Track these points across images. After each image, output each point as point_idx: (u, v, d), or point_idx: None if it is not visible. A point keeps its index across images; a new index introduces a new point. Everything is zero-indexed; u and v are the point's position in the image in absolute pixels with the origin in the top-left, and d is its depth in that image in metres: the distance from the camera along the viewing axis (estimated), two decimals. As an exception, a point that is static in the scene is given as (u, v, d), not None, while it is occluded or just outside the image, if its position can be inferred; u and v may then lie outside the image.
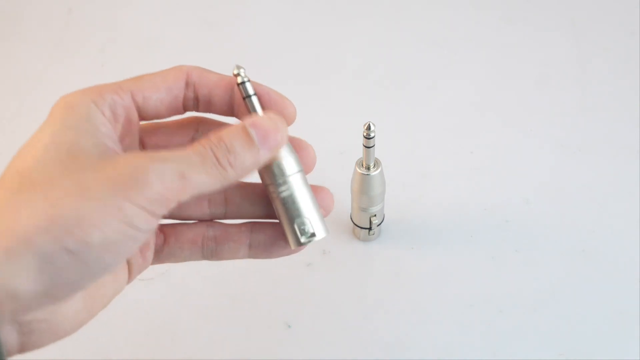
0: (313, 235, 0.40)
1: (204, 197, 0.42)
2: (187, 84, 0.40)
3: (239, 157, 0.36)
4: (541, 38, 0.78)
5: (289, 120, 0.40)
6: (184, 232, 0.42)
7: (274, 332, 0.57)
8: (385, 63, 0.76)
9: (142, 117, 0.40)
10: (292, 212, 0.39)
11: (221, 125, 0.42)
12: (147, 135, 0.41)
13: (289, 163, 0.39)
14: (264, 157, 0.37)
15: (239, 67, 0.40)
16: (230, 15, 0.81)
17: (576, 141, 0.69)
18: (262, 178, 0.40)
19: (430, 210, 0.64)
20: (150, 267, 0.42)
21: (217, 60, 0.77)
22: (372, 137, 0.54)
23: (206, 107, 0.41)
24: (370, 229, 0.61)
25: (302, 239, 0.40)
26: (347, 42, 0.78)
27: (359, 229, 0.61)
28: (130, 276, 0.40)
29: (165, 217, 0.42)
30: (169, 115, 0.40)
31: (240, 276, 0.60)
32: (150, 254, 0.41)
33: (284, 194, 0.39)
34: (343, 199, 0.63)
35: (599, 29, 0.78)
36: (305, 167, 0.41)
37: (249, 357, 0.56)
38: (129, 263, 0.40)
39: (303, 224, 0.40)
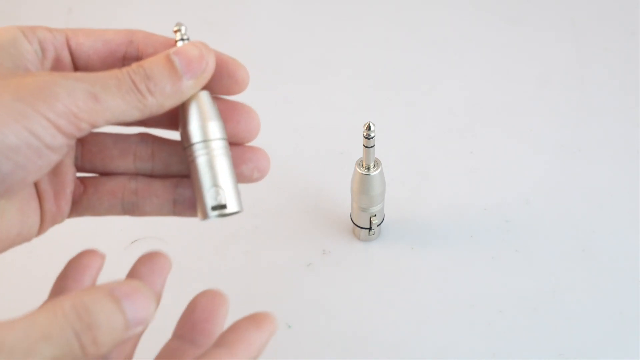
0: (224, 207, 0.37)
1: (128, 150, 0.40)
2: (130, 42, 0.38)
3: (159, 83, 0.34)
4: (541, 38, 0.78)
5: (241, 86, 0.39)
6: (104, 183, 0.40)
7: (274, 332, 0.57)
8: (385, 63, 0.76)
9: (74, 65, 0.38)
10: (204, 180, 0.37)
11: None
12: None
13: (212, 127, 0.37)
14: (187, 85, 0.35)
15: (179, 24, 0.38)
16: (230, 15, 0.81)
17: (576, 141, 0.69)
18: (181, 139, 0.38)
19: (430, 210, 0.64)
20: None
21: (217, 60, 0.77)
22: (372, 137, 0.54)
23: None
24: (370, 229, 0.61)
25: (211, 211, 0.37)
26: (347, 42, 0.78)
27: (359, 229, 0.61)
28: (43, 224, 0.38)
29: (88, 171, 0.40)
30: (103, 69, 0.38)
31: (239, 276, 0.60)
32: (65, 204, 0.39)
33: (199, 160, 0.37)
34: (343, 199, 0.63)
35: (599, 29, 0.78)
36: (248, 134, 0.40)
37: (249, 357, 0.56)
38: (41, 208, 0.38)
39: (216, 193, 0.37)
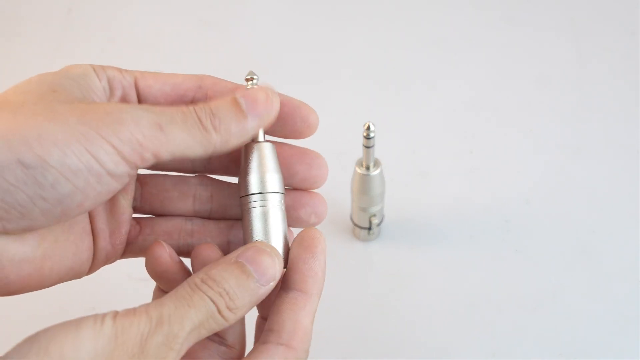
0: None
1: (188, 192, 0.40)
2: (199, 87, 0.39)
3: (224, 121, 0.35)
4: (541, 38, 0.78)
5: (311, 130, 0.40)
6: (161, 224, 0.41)
7: (274, 332, 0.57)
8: (385, 63, 0.76)
9: None
10: (255, 231, 0.37)
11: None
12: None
13: (271, 180, 0.37)
14: (252, 124, 0.35)
15: (252, 74, 0.39)
16: (230, 15, 0.81)
17: (576, 141, 0.69)
18: (239, 187, 0.38)
19: (430, 210, 0.64)
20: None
21: (217, 60, 0.77)
22: (372, 137, 0.54)
23: None
24: (370, 229, 0.61)
25: None
26: (347, 42, 0.78)
27: (359, 229, 0.61)
28: (95, 262, 0.38)
29: (146, 212, 0.41)
30: None
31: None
32: (120, 243, 0.39)
33: (254, 211, 0.37)
34: (343, 199, 0.63)
35: (599, 29, 0.78)
36: (315, 180, 0.40)
37: (249, 357, 0.56)
38: (95, 246, 0.38)
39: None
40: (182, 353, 0.32)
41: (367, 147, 0.55)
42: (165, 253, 0.37)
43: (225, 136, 0.35)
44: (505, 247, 0.62)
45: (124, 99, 0.38)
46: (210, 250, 0.37)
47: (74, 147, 0.31)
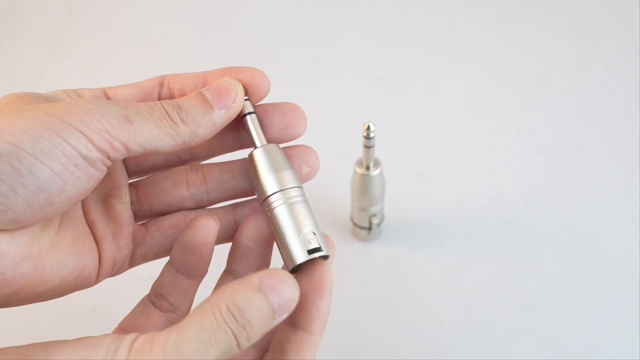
0: (318, 249, 0.37)
1: (181, 179, 0.41)
2: (161, 84, 0.40)
3: (191, 113, 0.36)
4: (541, 38, 0.78)
5: (299, 127, 0.40)
6: (166, 219, 0.41)
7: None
8: (385, 63, 0.76)
9: None
10: (290, 227, 0.36)
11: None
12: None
13: (287, 176, 0.37)
14: (219, 115, 0.36)
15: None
16: (230, 15, 0.81)
17: (576, 141, 0.69)
18: (257, 195, 0.38)
19: (430, 210, 0.64)
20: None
21: (217, 60, 0.77)
22: (372, 137, 0.54)
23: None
24: (370, 229, 0.61)
25: (307, 255, 0.36)
26: (347, 42, 0.78)
27: (359, 229, 0.61)
28: (103, 265, 0.38)
29: (147, 214, 0.41)
30: None
31: (240, 276, 0.60)
32: (125, 244, 0.39)
33: (279, 209, 0.37)
34: (343, 199, 0.63)
35: (599, 29, 0.78)
36: (294, 126, 0.40)
37: (249, 357, 0.56)
38: (99, 247, 0.38)
39: (307, 236, 0.37)
40: None
41: (367, 147, 0.55)
42: (214, 228, 0.37)
43: (192, 127, 0.36)
44: (504, 247, 0.62)
45: None
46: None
47: (44, 133, 0.32)
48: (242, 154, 0.40)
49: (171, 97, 0.40)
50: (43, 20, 0.81)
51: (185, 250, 0.38)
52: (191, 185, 0.41)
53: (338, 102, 0.73)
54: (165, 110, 0.35)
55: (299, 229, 0.36)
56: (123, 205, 0.40)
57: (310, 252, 0.36)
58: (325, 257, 0.37)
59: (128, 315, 0.39)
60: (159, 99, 0.40)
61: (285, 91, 0.74)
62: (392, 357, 0.56)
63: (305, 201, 0.37)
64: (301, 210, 0.37)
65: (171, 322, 0.39)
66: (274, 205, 0.37)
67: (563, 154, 0.68)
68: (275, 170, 0.37)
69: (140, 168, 0.41)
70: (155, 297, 0.39)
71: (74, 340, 0.32)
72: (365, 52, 0.77)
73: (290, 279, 0.34)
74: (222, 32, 0.80)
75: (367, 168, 0.57)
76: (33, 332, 0.56)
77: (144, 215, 0.41)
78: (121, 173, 0.40)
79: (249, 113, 0.38)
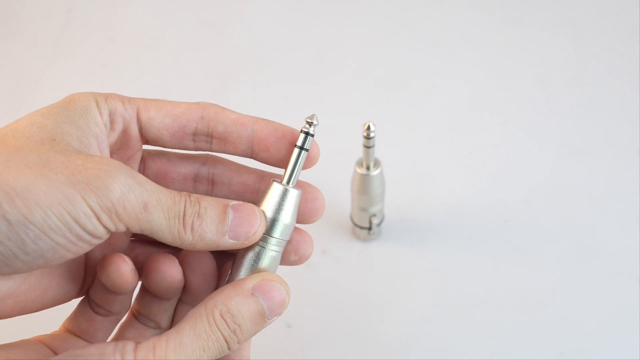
0: None
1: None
2: (201, 118, 0.39)
3: (204, 227, 0.35)
4: (541, 38, 0.78)
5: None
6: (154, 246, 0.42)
7: (274, 332, 0.57)
8: (385, 63, 0.76)
9: (143, 138, 0.39)
10: (244, 269, 0.37)
11: (231, 165, 0.41)
12: (151, 157, 0.41)
13: (286, 228, 0.37)
14: (226, 242, 0.36)
15: (313, 117, 0.39)
16: (230, 15, 0.81)
17: (576, 141, 0.69)
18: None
19: (430, 210, 0.64)
20: None
21: (217, 60, 0.77)
22: (372, 137, 0.54)
23: (221, 146, 0.39)
24: (370, 229, 0.61)
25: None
26: (347, 42, 0.78)
27: (359, 229, 0.61)
28: (85, 283, 0.40)
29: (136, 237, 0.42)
30: (173, 145, 0.39)
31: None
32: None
33: (255, 249, 0.37)
34: (343, 199, 0.63)
35: (599, 29, 0.78)
36: (314, 217, 0.40)
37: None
38: (87, 270, 0.39)
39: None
40: None
41: (367, 147, 0.55)
42: (128, 268, 0.37)
43: (195, 240, 0.36)
44: (504, 247, 0.62)
45: (125, 133, 0.38)
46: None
47: (56, 210, 0.32)
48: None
49: (209, 138, 0.39)
50: (43, 20, 0.81)
51: (108, 286, 0.38)
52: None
53: (338, 102, 0.73)
54: (184, 212, 0.35)
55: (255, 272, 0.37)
56: (124, 235, 0.41)
57: None
58: None
59: (70, 317, 0.40)
60: (194, 134, 0.39)
61: (286, 91, 0.74)
62: (392, 357, 0.56)
63: (279, 256, 0.38)
64: (267, 261, 0.37)
65: (113, 323, 0.40)
66: (256, 244, 0.37)
67: (563, 154, 0.68)
68: (279, 214, 0.37)
69: None
70: (93, 304, 0.40)
71: (70, 351, 0.33)
72: (366, 52, 0.77)
73: (282, 284, 0.36)
74: (222, 32, 0.80)
75: (367, 168, 0.57)
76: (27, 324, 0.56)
77: (145, 243, 0.42)
78: (122, 242, 0.41)
79: (304, 148, 0.38)
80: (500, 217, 0.64)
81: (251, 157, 0.39)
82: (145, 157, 0.41)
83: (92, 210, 0.33)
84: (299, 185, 0.39)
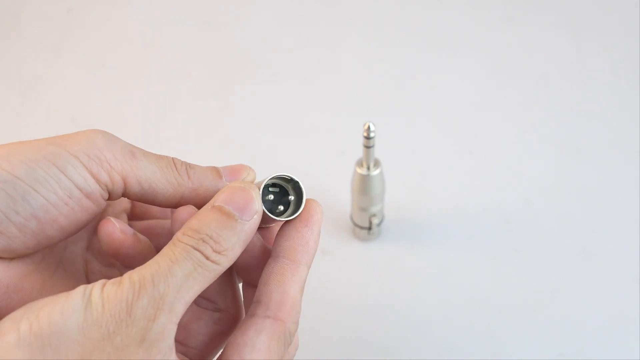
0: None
1: None
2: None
3: (199, 174, 0.35)
4: (541, 38, 0.78)
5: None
6: None
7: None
8: (386, 63, 0.76)
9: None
10: None
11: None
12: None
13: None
14: (224, 183, 0.36)
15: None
16: (230, 15, 0.81)
17: (576, 141, 0.69)
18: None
19: (430, 210, 0.64)
20: None
21: (217, 60, 0.77)
22: (372, 137, 0.54)
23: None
24: (370, 229, 0.61)
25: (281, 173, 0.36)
26: (347, 42, 0.78)
27: (359, 229, 0.61)
28: None
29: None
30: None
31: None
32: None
33: None
34: (343, 199, 0.63)
35: (599, 29, 0.78)
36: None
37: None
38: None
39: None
40: (179, 311, 0.31)
41: (367, 147, 0.54)
42: (115, 229, 0.36)
43: (195, 185, 0.35)
44: (505, 247, 0.62)
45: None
46: (190, 210, 0.36)
47: (42, 163, 0.32)
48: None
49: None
50: (43, 20, 0.81)
51: (114, 257, 0.37)
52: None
53: (338, 102, 0.73)
54: (174, 162, 0.35)
55: None
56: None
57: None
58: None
59: None
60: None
61: (286, 91, 0.74)
62: (392, 357, 0.56)
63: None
64: None
65: None
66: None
67: (564, 154, 0.68)
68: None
69: (146, 215, 0.42)
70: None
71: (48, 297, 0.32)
72: (366, 52, 0.77)
73: (242, 183, 0.34)
74: (222, 32, 0.80)
75: (367, 168, 0.57)
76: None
77: None
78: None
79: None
80: (500, 217, 0.64)
81: None
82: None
83: (80, 161, 0.33)
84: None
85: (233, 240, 0.33)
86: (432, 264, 0.61)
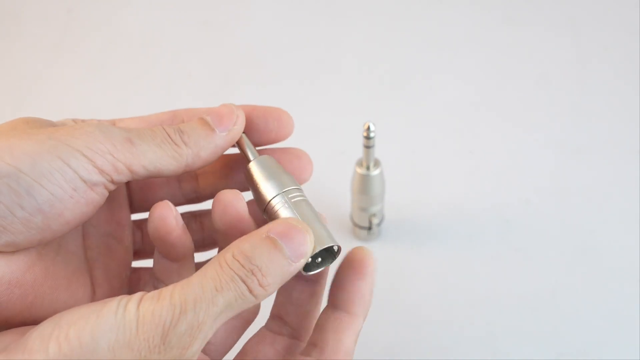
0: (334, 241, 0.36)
1: (187, 225, 0.40)
2: (174, 116, 0.40)
3: (193, 136, 0.36)
4: (541, 38, 0.78)
5: (285, 127, 0.40)
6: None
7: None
8: (385, 63, 0.76)
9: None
10: (307, 217, 0.36)
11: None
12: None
13: (284, 180, 0.37)
14: (221, 137, 0.36)
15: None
16: (230, 15, 0.81)
17: (576, 141, 0.69)
18: (262, 198, 0.37)
19: (430, 210, 0.64)
20: None
21: (217, 60, 0.77)
22: (372, 137, 0.54)
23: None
24: (370, 229, 0.61)
25: (331, 242, 0.35)
26: (347, 42, 0.78)
27: (359, 229, 0.61)
28: (95, 296, 0.38)
29: (150, 255, 0.41)
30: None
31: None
32: (121, 286, 0.39)
33: (281, 210, 0.36)
34: (343, 199, 0.63)
35: (599, 29, 0.78)
36: (303, 175, 0.40)
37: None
38: (93, 286, 0.38)
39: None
40: (210, 336, 0.31)
41: (367, 147, 0.55)
42: (171, 214, 0.36)
43: (195, 149, 0.36)
44: (505, 246, 0.62)
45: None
46: (232, 195, 0.36)
47: (45, 156, 0.32)
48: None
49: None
50: (43, 20, 0.81)
51: (155, 241, 0.37)
52: (195, 232, 0.42)
53: (338, 102, 0.73)
54: (167, 134, 0.35)
55: (310, 220, 0.35)
56: (124, 248, 0.40)
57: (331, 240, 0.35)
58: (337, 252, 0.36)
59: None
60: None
61: (286, 91, 0.74)
62: (392, 357, 0.56)
63: (306, 200, 0.37)
64: (304, 208, 0.36)
65: None
66: (276, 208, 0.36)
67: (564, 154, 0.68)
68: (271, 177, 0.37)
69: (147, 204, 0.41)
70: (156, 282, 0.38)
71: (81, 306, 0.31)
72: (366, 52, 0.77)
73: (300, 224, 0.33)
74: (222, 32, 0.80)
75: (367, 168, 0.57)
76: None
77: (145, 254, 0.42)
78: (125, 213, 0.40)
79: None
80: (500, 217, 0.64)
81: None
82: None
83: (83, 154, 0.32)
84: (283, 152, 0.40)
85: (277, 279, 0.32)
86: (432, 264, 0.61)
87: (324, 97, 0.73)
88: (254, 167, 0.38)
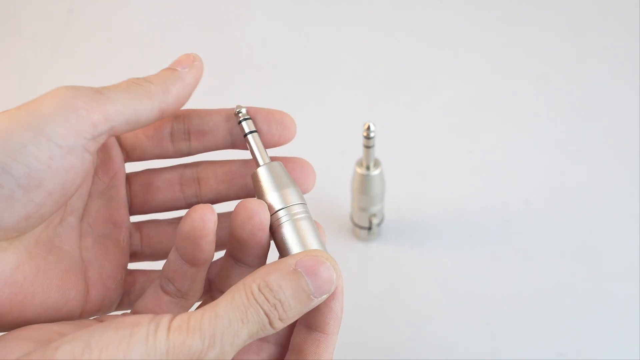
0: None
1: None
2: (176, 117, 0.40)
3: (158, 76, 0.37)
4: (541, 38, 0.78)
5: (288, 130, 0.39)
6: (155, 272, 0.41)
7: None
8: (385, 63, 0.76)
9: (124, 150, 0.40)
10: (304, 239, 0.36)
11: (213, 162, 0.41)
12: (134, 174, 0.41)
13: (290, 193, 0.37)
14: (184, 73, 0.37)
15: (239, 107, 0.39)
16: (230, 15, 0.81)
17: (576, 141, 0.69)
18: (269, 206, 0.37)
19: (430, 210, 0.64)
20: None
21: (217, 60, 0.77)
22: (372, 137, 0.54)
23: (200, 141, 0.40)
24: (370, 229, 0.61)
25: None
26: (347, 42, 0.78)
27: (359, 229, 0.61)
28: (89, 304, 0.38)
29: (147, 256, 0.41)
30: (153, 150, 0.40)
31: (240, 276, 0.60)
32: (115, 287, 0.39)
33: (284, 227, 0.36)
34: (343, 199, 0.63)
35: (599, 29, 0.78)
36: (305, 184, 0.40)
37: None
38: (88, 286, 0.38)
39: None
40: None
41: (367, 147, 0.55)
42: (213, 218, 0.35)
43: (163, 85, 0.36)
44: (505, 247, 0.62)
45: (105, 144, 0.39)
46: (258, 206, 0.36)
47: (15, 130, 0.32)
48: (233, 154, 0.40)
49: (186, 135, 0.40)
50: (43, 20, 0.81)
51: (185, 242, 0.36)
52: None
53: (338, 102, 0.73)
54: (133, 80, 0.36)
55: (304, 245, 0.36)
56: (120, 249, 0.40)
57: None
58: None
59: (141, 298, 0.39)
60: (172, 135, 0.40)
61: (286, 91, 0.74)
62: (392, 357, 0.56)
63: (310, 218, 0.37)
64: (306, 228, 0.36)
65: (181, 307, 0.38)
66: (280, 221, 0.36)
67: (564, 154, 0.68)
68: (280, 187, 0.37)
69: (146, 207, 0.41)
70: (164, 282, 0.38)
71: (111, 319, 0.32)
72: (366, 52, 0.77)
73: (328, 261, 0.34)
74: (222, 32, 0.80)
75: (367, 168, 0.57)
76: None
77: (143, 256, 0.41)
78: (123, 214, 0.40)
79: (251, 132, 0.38)
80: (500, 217, 0.64)
81: (231, 146, 0.40)
82: (129, 175, 0.41)
83: (55, 119, 0.33)
84: (287, 161, 0.39)
85: (297, 313, 0.33)
86: (432, 263, 0.61)
87: (324, 97, 0.73)
88: (263, 173, 0.37)
